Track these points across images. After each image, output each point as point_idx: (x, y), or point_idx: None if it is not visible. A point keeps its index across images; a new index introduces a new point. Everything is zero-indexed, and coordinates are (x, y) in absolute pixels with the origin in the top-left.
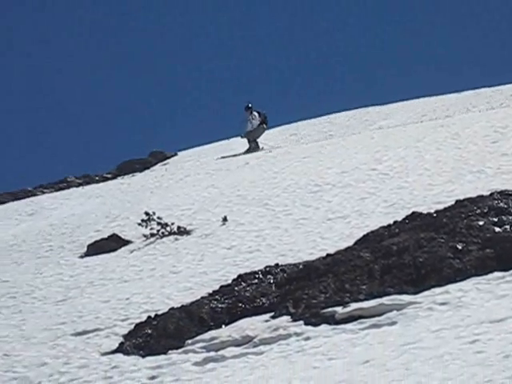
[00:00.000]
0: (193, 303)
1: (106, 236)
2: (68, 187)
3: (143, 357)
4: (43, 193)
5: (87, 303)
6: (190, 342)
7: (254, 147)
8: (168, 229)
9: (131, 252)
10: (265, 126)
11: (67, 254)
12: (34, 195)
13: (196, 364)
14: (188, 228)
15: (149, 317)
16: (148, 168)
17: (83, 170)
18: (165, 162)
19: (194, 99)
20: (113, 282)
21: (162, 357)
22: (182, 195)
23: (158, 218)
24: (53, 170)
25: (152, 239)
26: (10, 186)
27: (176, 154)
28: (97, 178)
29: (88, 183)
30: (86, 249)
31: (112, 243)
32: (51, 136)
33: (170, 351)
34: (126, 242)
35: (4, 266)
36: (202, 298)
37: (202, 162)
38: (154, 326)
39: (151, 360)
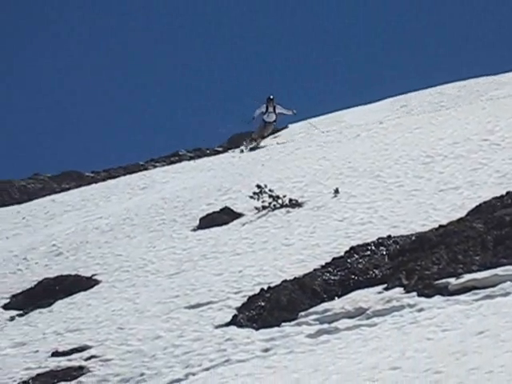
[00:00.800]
0: (305, 275)
1: (217, 209)
2: (179, 161)
3: (256, 329)
4: (155, 167)
5: (200, 276)
6: (303, 314)
7: (255, 144)
8: (280, 201)
9: (243, 225)
10: (274, 123)
11: (179, 227)
12: (146, 169)
13: (309, 336)
14: (300, 200)
15: (262, 289)
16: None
17: (194, 143)
18: (276, 134)
19: (303, 71)
20: (225, 254)
21: (276, 329)
22: (293, 167)
23: (270, 190)
24: (164, 143)
25: (264, 212)
26: (122, 161)
27: (287, 127)
28: (208, 152)
29: (199, 157)
30: (198, 222)
31: (224, 216)
32: (162, 111)
33: (283, 323)
34: (238, 215)
35: (117, 239)
36: (315, 270)
37: (313, 133)
38: (266, 298)
39: (264, 332)
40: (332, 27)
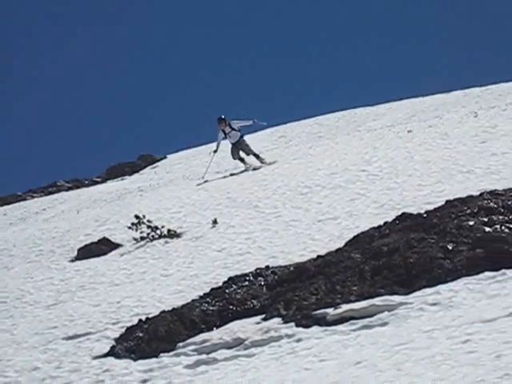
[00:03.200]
0: (184, 306)
1: (96, 240)
2: (58, 191)
3: (135, 360)
4: (33, 197)
5: (78, 307)
6: (181, 344)
7: (256, 156)
8: (158, 232)
9: (122, 255)
10: (242, 139)
11: (57, 257)
12: (24, 200)
13: (187, 367)
14: (178, 231)
15: (140, 320)
16: (137, 171)
17: (73, 174)
18: (154, 165)
19: (182, 103)
20: (103, 285)
21: (154, 360)
22: (172, 198)
23: (148, 221)
24: (43, 174)
25: (142, 242)
26: (0, 191)
27: (165, 157)
28: (86, 182)
29: (78, 187)
30: (76, 253)
31: (102, 247)
32: (41, 141)
33: (161, 354)
34: (116, 246)
35: None
36: (193, 300)
37: (191, 164)
38: (145, 329)
39: (143, 363)
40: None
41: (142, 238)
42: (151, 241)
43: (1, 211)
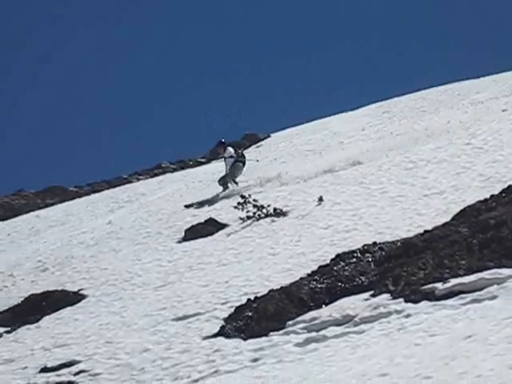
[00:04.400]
0: (292, 284)
1: (202, 220)
2: (163, 173)
3: (244, 339)
4: (138, 179)
5: (187, 288)
6: (290, 323)
7: (230, 187)
8: (264, 211)
9: (228, 235)
10: (241, 164)
11: (165, 239)
12: (130, 182)
13: (297, 345)
14: (284, 209)
15: (249, 299)
16: None
17: (177, 155)
18: (258, 144)
19: (286, 80)
20: (211, 265)
21: (264, 339)
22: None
23: (254, 200)
24: (148, 156)
25: (249, 222)
26: (106, 174)
27: (269, 136)
28: (191, 163)
29: (182, 168)
30: (183, 234)
31: (209, 227)
32: (146, 123)
33: (271, 333)
34: (223, 226)
35: (103, 253)
36: (301, 278)
37: (295, 143)
38: (254, 308)
39: (253, 342)
40: (312, 31)
41: (249, 218)
42: (257, 220)
43: (108, 194)
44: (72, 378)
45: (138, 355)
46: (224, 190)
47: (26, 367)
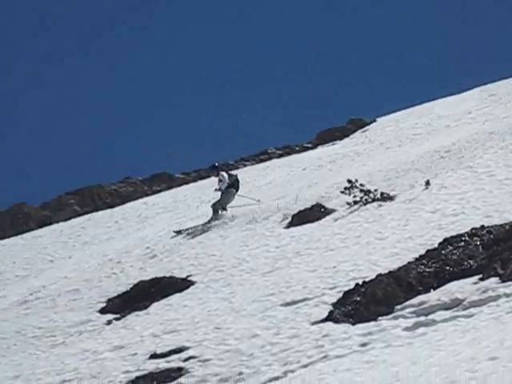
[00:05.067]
0: (400, 268)
1: (309, 205)
2: (269, 159)
3: (353, 324)
4: (245, 165)
5: (294, 273)
6: (399, 307)
7: (219, 215)
8: (371, 195)
9: (335, 220)
10: (234, 190)
11: (272, 225)
12: (237, 168)
13: (406, 329)
14: (391, 194)
15: (357, 284)
16: (347, 136)
17: (284, 141)
18: (364, 128)
19: (392, 65)
20: (319, 250)
21: (372, 323)
22: (384, 161)
23: (361, 185)
24: (254, 142)
25: (355, 206)
26: (212, 161)
27: (375, 121)
28: (297, 148)
29: (289, 154)
30: (290, 219)
31: (316, 212)
32: (250, 112)
33: (379, 317)
34: (330, 211)
35: (210, 239)
36: (409, 262)
37: (402, 127)
38: (362, 293)
39: (361, 327)
40: (417, 17)
41: (355, 202)
42: (364, 204)
43: (215, 181)
44: (181, 364)
45: (246, 341)
46: (214, 216)
47: (135, 354)
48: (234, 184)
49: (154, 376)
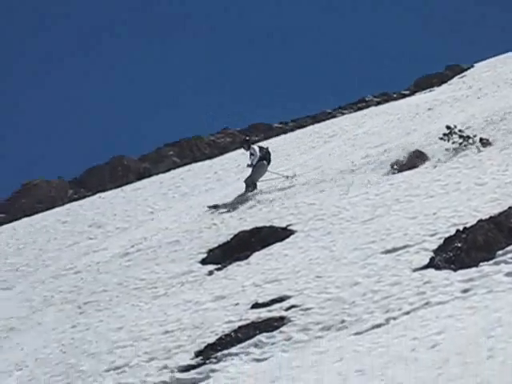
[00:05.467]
0: (501, 214)
1: (409, 152)
2: (366, 107)
3: (454, 270)
4: (342, 114)
5: (395, 220)
6: (500, 252)
7: (250, 191)
8: (470, 141)
9: (434, 167)
10: (265, 162)
11: (371, 173)
12: (334, 117)
13: (508, 275)
14: (490, 139)
15: (457, 230)
16: (445, 82)
17: (381, 88)
18: (462, 74)
19: (492, 11)
20: (419, 198)
21: (474, 269)
22: (481, 107)
23: (460, 130)
24: (351, 90)
25: (454, 152)
26: (310, 110)
27: (472, 66)
28: (394, 96)
29: (386, 101)
30: (389, 167)
31: (415, 159)
32: (358, 56)
33: (480, 263)
34: (429, 158)
35: (311, 188)
36: (510, 208)
37: (500, 72)
38: (463, 239)
39: (463, 273)
40: None
41: (454, 149)
42: (463, 150)
43: (312, 129)
44: (283, 313)
45: (348, 289)
46: (247, 191)
47: (237, 303)
48: (266, 157)
49: (256, 325)
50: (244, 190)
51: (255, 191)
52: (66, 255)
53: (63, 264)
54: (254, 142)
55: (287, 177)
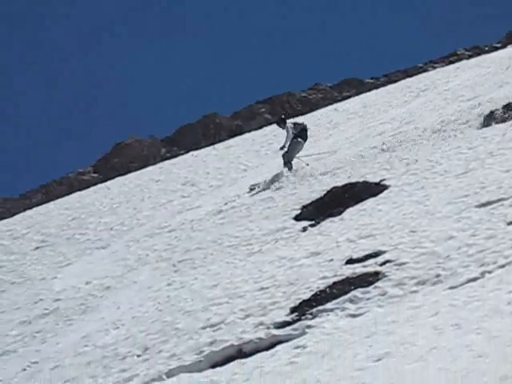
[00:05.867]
0: None
1: (502, 105)
2: (458, 60)
3: None
4: (434, 68)
5: (488, 174)
6: None
7: (286, 170)
8: None
9: None
10: (299, 139)
11: (463, 126)
12: (425, 71)
13: None
14: None
15: None
16: None
17: (473, 41)
18: None
19: None
20: None
21: None
22: None
23: None
24: (442, 44)
25: None
26: (401, 64)
27: None
28: (486, 49)
29: (478, 54)
30: (482, 120)
31: (508, 112)
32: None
33: None
34: None
35: (403, 142)
36: None
37: None
38: None
39: None
40: None
41: None
42: None
43: (404, 84)
44: (378, 269)
45: (442, 243)
46: (286, 167)
47: (331, 259)
48: (301, 134)
49: (350, 281)
50: (283, 166)
51: (291, 170)
52: (160, 214)
53: (157, 222)
54: (295, 116)
55: (307, 164)
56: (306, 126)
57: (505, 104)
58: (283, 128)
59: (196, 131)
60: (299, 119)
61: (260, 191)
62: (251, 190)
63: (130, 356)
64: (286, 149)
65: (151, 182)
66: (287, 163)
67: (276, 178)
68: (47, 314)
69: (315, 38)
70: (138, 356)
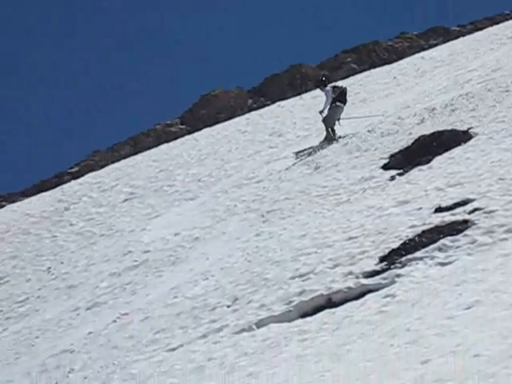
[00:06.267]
0: None
1: None
2: None
3: None
4: None
5: None
6: None
7: (329, 138)
8: None
9: None
10: (338, 103)
11: None
12: None
13: None
14: None
15: None
16: None
17: None
18: None
19: None
20: None
21: None
22: None
23: None
24: None
25: None
26: (488, 12)
27: None
28: None
29: None
30: None
31: None
32: None
33: None
34: None
35: (493, 91)
36: None
37: None
38: None
39: None
40: None
41: None
42: None
43: (491, 31)
44: (466, 217)
45: None
46: (326, 138)
47: (420, 208)
48: (340, 97)
49: (439, 229)
50: (325, 132)
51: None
52: (248, 164)
53: (245, 173)
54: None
55: (339, 137)
56: (345, 89)
57: None
58: (323, 90)
59: (282, 81)
60: (339, 83)
61: (347, 142)
62: (337, 140)
63: (219, 307)
64: (324, 114)
65: (238, 133)
66: (328, 130)
67: (320, 145)
68: (137, 265)
69: None
70: (228, 307)
